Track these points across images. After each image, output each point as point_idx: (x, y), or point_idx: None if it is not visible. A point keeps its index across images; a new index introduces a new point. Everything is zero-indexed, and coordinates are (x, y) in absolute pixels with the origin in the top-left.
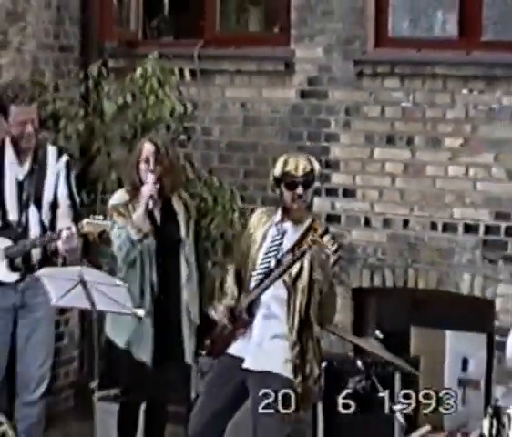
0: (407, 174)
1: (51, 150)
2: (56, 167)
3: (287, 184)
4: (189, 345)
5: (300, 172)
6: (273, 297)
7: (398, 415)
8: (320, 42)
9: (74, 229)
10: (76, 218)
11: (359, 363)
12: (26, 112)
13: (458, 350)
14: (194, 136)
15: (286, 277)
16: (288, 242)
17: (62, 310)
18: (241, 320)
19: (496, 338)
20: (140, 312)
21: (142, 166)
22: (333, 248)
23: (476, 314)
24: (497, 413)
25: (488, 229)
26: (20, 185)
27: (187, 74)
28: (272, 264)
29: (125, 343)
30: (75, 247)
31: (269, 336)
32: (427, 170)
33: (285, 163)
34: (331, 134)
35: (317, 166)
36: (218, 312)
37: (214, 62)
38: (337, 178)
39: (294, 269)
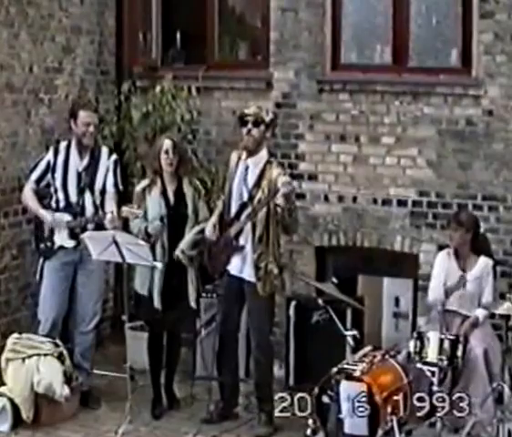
0: (355, 163)
1: (104, 150)
2: (106, 163)
3: (242, 122)
4: (192, 293)
5: (250, 112)
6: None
7: (348, 338)
8: (291, 67)
9: (115, 213)
10: (120, 201)
11: (320, 301)
12: (91, 116)
13: (392, 292)
14: (198, 135)
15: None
16: (251, 175)
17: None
18: (233, 246)
19: (420, 282)
20: (158, 265)
21: (163, 156)
22: (288, 180)
23: (405, 265)
24: (420, 336)
25: (414, 204)
26: (79, 175)
27: (193, 90)
28: (245, 196)
29: (147, 291)
30: (117, 225)
31: (248, 252)
32: (370, 160)
33: (244, 108)
34: (299, 134)
35: (268, 115)
36: (207, 229)
37: (213, 81)
38: (304, 166)
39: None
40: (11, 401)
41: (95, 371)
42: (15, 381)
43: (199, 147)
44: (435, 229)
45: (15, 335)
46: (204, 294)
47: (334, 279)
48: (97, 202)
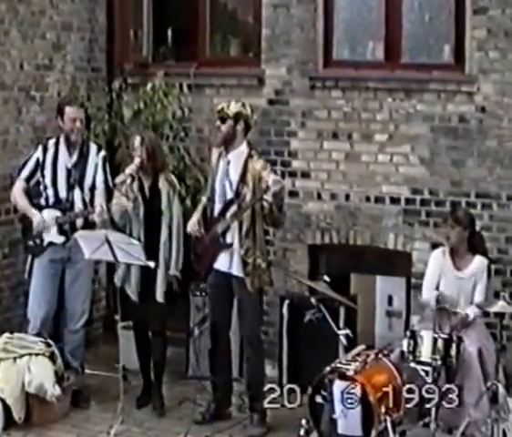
0: (348, 161)
1: (92, 146)
2: (95, 159)
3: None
4: (160, 287)
5: (218, 109)
6: None
7: (341, 337)
8: (283, 63)
9: (104, 207)
10: (110, 197)
11: (313, 300)
12: (77, 112)
13: (385, 290)
14: (190, 133)
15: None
16: (233, 170)
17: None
18: (220, 244)
19: (413, 280)
20: (151, 264)
21: (133, 153)
22: (278, 178)
23: (398, 263)
24: (413, 335)
25: (407, 201)
26: (69, 171)
27: (185, 87)
28: (228, 191)
29: (125, 284)
30: (106, 218)
31: (235, 248)
32: (362, 158)
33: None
34: (291, 131)
35: (231, 109)
36: (190, 225)
37: (205, 78)
38: (296, 164)
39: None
40: (2, 401)
41: (87, 371)
42: (6, 381)
43: (191, 144)
44: (428, 227)
45: (7, 334)
46: (198, 293)
47: (326, 278)
48: (87, 199)
